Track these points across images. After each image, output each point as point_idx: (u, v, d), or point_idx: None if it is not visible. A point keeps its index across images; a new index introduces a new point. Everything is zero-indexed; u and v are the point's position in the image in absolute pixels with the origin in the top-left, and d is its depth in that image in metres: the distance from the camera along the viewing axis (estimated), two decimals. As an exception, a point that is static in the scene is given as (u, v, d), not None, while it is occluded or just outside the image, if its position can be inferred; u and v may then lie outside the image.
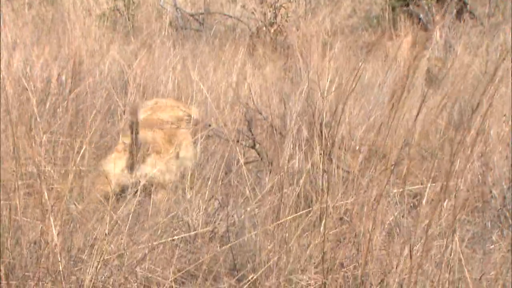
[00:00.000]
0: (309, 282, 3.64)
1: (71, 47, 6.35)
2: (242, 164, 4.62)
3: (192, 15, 11.26)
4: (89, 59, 6.47)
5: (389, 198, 4.64)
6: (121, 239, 3.87)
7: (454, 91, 7.39)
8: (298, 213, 3.82)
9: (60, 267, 3.55)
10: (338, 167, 4.43)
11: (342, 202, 3.87)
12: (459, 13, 11.17)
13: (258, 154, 5.19)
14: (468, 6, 11.61)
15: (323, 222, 3.67)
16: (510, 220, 4.56)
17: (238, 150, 4.76)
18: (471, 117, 5.18)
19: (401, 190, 4.74)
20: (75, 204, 4.13)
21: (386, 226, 3.72)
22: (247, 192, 4.51)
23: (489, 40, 9.49)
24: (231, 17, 11.37)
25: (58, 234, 3.57)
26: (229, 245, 4.20)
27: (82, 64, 6.25)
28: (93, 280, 3.63)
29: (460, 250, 4.03)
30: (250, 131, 5.12)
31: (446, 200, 3.79)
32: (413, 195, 4.97)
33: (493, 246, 4.33)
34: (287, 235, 3.79)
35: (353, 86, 5.06)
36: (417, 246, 3.59)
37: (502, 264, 3.78)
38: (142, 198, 4.44)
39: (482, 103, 5.74)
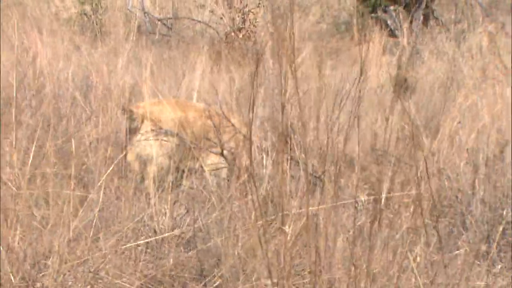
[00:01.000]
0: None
1: (35, 51, 6.30)
2: (206, 170, 4.61)
3: (160, 20, 11.22)
4: (55, 63, 6.42)
5: (356, 203, 4.66)
6: (86, 244, 3.84)
7: (420, 97, 7.45)
8: (264, 219, 3.81)
9: (24, 274, 3.51)
10: (305, 172, 4.42)
11: (312, 208, 3.86)
12: (426, 19, 11.25)
13: (226, 160, 5.18)
14: (434, 12, 11.70)
15: (288, 227, 3.67)
16: (474, 226, 4.59)
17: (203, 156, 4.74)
18: (437, 123, 5.22)
19: (367, 195, 4.76)
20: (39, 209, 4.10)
21: (351, 231, 3.72)
22: (213, 197, 4.51)
23: (455, 46, 9.57)
24: (199, 22, 11.34)
25: (21, 240, 3.53)
26: (196, 250, 4.19)
27: (47, 68, 6.20)
28: (57, 287, 3.60)
29: (425, 255, 4.06)
30: (218, 137, 5.11)
31: (412, 205, 3.80)
32: (379, 200, 4.99)
33: (458, 251, 4.36)
34: (253, 240, 3.78)
35: (321, 91, 5.06)
36: (382, 251, 3.60)
37: (467, 269, 3.80)
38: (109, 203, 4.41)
39: (448, 109, 5.79)
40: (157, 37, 10.51)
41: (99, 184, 4.33)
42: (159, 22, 11.14)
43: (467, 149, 4.79)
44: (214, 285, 3.85)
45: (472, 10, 11.14)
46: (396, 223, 4.07)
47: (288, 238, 3.64)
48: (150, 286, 3.91)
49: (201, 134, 5.18)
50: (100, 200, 4.27)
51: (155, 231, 4.26)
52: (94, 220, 4.10)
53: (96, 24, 10.11)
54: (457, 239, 4.50)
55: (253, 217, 3.81)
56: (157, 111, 5.19)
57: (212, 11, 11.29)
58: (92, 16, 10.42)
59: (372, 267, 3.43)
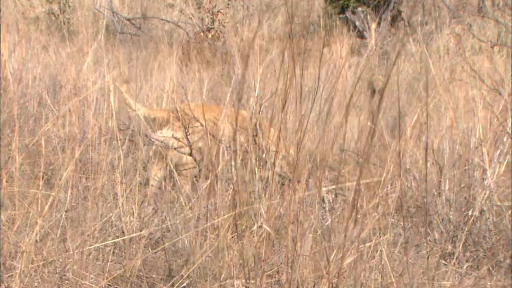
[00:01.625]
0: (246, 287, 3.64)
1: (2, 51, 6.24)
2: (174, 170, 4.60)
3: (129, 20, 11.18)
4: (22, 63, 6.37)
5: (323, 203, 4.69)
6: (52, 245, 3.82)
7: (388, 98, 7.49)
8: (231, 218, 3.81)
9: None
10: (273, 172, 4.43)
11: (277, 207, 3.87)
12: (394, 21, 11.33)
13: (195, 160, 5.17)
14: (402, 14, 11.79)
15: (255, 227, 3.68)
16: (441, 226, 4.63)
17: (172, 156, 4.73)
18: (405, 124, 5.26)
19: (334, 194, 4.78)
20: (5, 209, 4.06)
21: (318, 230, 3.74)
22: (181, 198, 4.50)
23: (422, 48, 9.64)
24: (168, 21, 11.33)
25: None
26: (163, 249, 4.17)
27: (14, 67, 6.15)
28: None
29: (392, 254, 4.09)
30: (187, 137, 5.10)
31: (380, 205, 3.83)
32: (347, 200, 5.02)
33: (425, 251, 4.39)
34: (221, 240, 3.78)
35: (289, 92, 5.07)
36: (349, 250, 3.62)
37: (433, 269, 3.84)
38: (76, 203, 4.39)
39: (414, 110, 5.83)
40: (125, 37, 10.47)
41: (66, 184, 4.30)
42: (128, 22, 11.11)
43: (433, 150, 4.83)
44: (182, 285, 3.84)
45: (439, 12, 11.24)
46: (363, 223, 4.09)
47: (257, 237, 3.65)
48: (117, 286, 3.90)
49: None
50: (68, 200, 4.25)
51: (122, 232, 4.24)
52: (61, 221, 4.08)
53: (64, 24, 10.04)
54: (423, 239, 4.54)
55: (221, 216, 3.82)
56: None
57: (181, 11, 11.28)
58: (60, 16, 10.35)
59: (339, 267, 3.45)
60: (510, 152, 4.57)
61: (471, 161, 4.69)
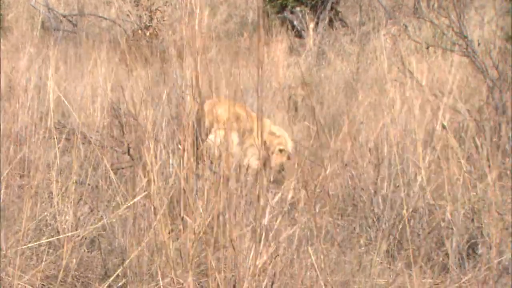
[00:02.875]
0: (183, 286, 3.63)
1: None
2: (110, 169, 4.56)
3: (65, 16, 11.04)
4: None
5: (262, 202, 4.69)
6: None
7: (325, 97, 7.55)
8: (170, 217, 3.80)
9: None
10: (210, 171, 4.43)
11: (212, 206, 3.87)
12: (332, 21, 11.42)
13: (132, 159, 5.13)
14: (340, 14, 11.89)
15: (193, 225, 3.67)
16: (377, 224, 4.68)
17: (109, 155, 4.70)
18: (341, 122, 5.29)
19: (274, 194, 4.80)
20: None
21: (258, 230, 3.75)
22: (118, 197, 4.46)
23: (359, 48, 9.74)
24: (106, 19, 11.22)
25: None
26: (99, 249, 4.14)
27: None
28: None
29: (328, 252, 4.12)
30: (123, 136, 5.06)
31: (318, 204, 3.85)
32: (286, 200, 5.04)
33: (361, 249, 4.43)
34: (158, 239, 3.76)
35: (226, 90, 5.08)
36: (286, 249, 3.64)
37: (368, 266, 3.88)
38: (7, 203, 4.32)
39: (351, 109, 5.88)
40: (62, 34, 10.34)
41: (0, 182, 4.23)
42: (64, 19, 10.96)
43: (370, 149, 4.88)
44: (118, 284, 3.81)
45: (376, 13, 11.36)
46: (300, 220, 4.12)
47: (193, 236, 3.64)
48: (51, 286, 3.85)
49: None
50: (1, 199, 4.18)
51: (57, 231, 4.19)
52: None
53: (-3, 20, 9.88)
54: (360, 236, 4.58)
55: (158, 215, 3.80)
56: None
57: (118, 8, 11.18)
58: (-6, 12, 10.17)
59: (275, 265, 3.47)
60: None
61: (406, 160, 4.75)
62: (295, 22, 11.34)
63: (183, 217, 3.73)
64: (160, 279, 3.63)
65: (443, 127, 4.67)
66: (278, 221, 3.66)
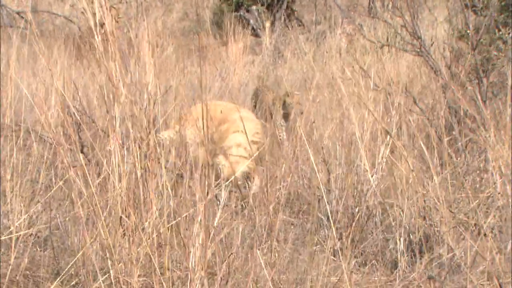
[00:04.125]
0: (138, 285, 3.62)
1: None
2: (64, 168, 4.51)
3: (18, 13, 10.91)
4: None
5: (218, 201, 4.69)
6: None
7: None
8: (125, 215, 3.78)
9: None
10: (167, 169, 4.42)
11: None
12: (288, 20, 11.46)
13: (86, 157, 5.10)
14: (296, 13, 11.94)
15: (149, 224, 3.66)
16: (332, 223, 4.70)
17: (63, 153, 4.65)
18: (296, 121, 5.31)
19: (229, 192, 4.80)
20: None
21: (212, 231, 3.74)
22: (72, 194, 4.42)
23: (315, 47, 9.79)
24: (60, 16, 11.12)
25: None
26: (52, 248, 4.11)
27: None
28: None
29: (282, 251, 4.14)
30: (78, 134, 5.01)
31: (272, 203, 3.86)
32: (242, 198, 5.06)
33: (316, 247, 4.46)
34: (113, 238, 3.74)
35: (182, 89, 5.07)
36: (240, 248, 3.65)
37: (321, 265, 3.90)
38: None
39: (305, 108, 5.91)
40: (14, 30, 10.20)
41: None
42: (17, 15, 10.84)
43: (322, 148, 4.91)
44: (71, 284, 3.79)
45: (331, 12, 11.43)
46: (254, 219, 4.13)
47: (146, 234, 3.63)
48: (3, 286, 3.81)
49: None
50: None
51: (9, 230, 4.14)
52: None
53: None
54: (313, 235, 4.61)
55: (113, 214, 3.78)
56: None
57: (73, 5, 11.09)
58: None
59: (229, 264, 3.48)
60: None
61: (358, 159, 4.79)
62: (251, 21, 11.36)
63: (136, 215, 3.72)
64: (112, 278, 3.61)
65: (387, 133, 4.71)
66: (231, 219, 3.67)
